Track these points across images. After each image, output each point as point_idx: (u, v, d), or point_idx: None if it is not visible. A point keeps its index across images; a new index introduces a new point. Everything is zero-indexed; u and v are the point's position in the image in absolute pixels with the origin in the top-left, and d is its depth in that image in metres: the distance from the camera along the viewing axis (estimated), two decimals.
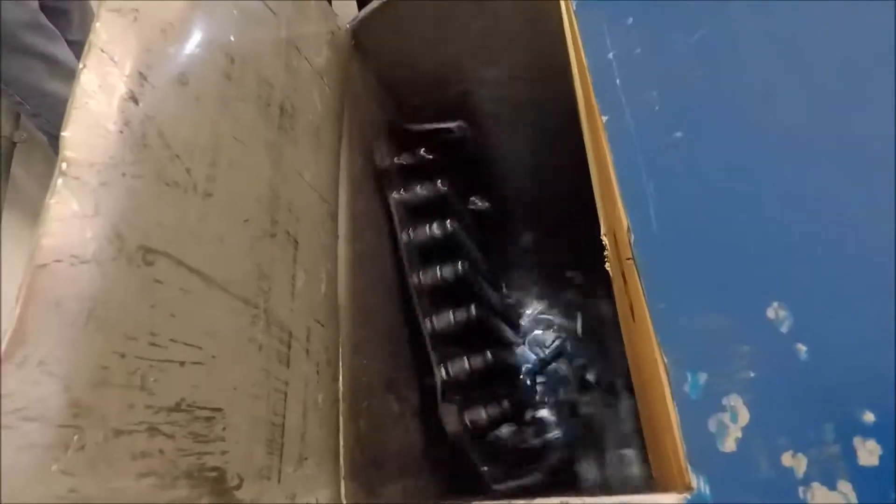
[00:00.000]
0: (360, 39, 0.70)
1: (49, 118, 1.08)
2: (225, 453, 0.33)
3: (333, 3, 0.73)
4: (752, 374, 0.28)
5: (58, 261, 0.25)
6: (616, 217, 0.40)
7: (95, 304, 0.27)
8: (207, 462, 0.31)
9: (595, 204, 0.63)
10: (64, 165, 0.27)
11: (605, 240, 0.70)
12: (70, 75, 1.12)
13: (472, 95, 0.85)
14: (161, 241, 0.31)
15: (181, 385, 0.31)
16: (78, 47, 1.15)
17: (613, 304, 0.45)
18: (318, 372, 0.45)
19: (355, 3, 1.05)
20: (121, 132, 0.30)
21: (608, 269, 0.78)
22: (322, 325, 0.47)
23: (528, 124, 0.90)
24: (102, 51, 0.31)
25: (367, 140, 0.69)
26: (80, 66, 0.30)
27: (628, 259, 0.35)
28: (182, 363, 0.31)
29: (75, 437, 0.24)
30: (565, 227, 0.99)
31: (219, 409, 0.33)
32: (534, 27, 0.74)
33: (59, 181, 0.27)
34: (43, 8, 1.08)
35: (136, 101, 0.32)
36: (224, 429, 0.33)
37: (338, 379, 0.48)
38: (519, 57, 0.79)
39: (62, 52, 1.10)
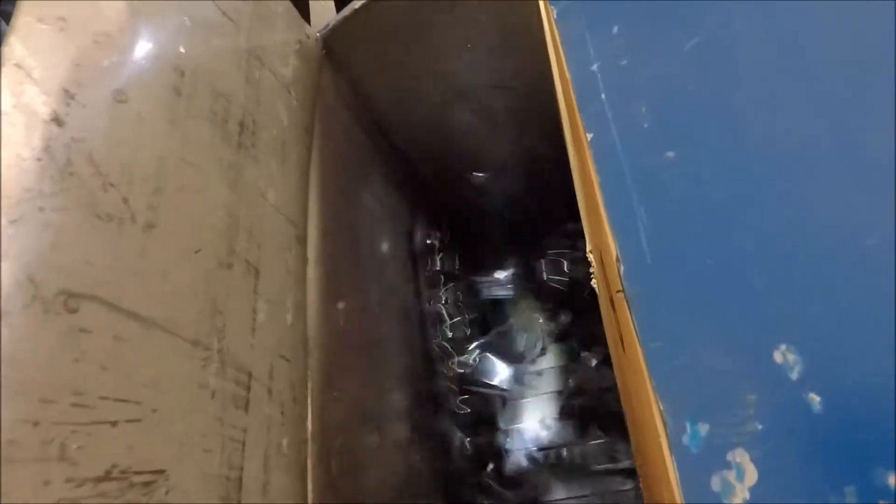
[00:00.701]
0: (333, 48, 0.66)
1: None
2: None
3: (314, 8, 0.69)
4: (759, 427, 0.25)
5: None
6: (603, 244, 0.37)
7: (2, 363, 0.23)
8: None
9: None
10: None
11: (590, 257, 0.67)
12: None
13: (451, 106, 0.82)
14: (88, 283, 0.27)
15: (112, 449, 0.27)
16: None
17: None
18: (282, 413, 0.41)
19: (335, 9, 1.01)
20: (38, 160, 0.26)
21: (594, 285, 0.75)
22: (287, 361, 0.44)
23: (510, 136, 0.87)
24: (18, 66, 0.27)
25: (340, 152, 0.66)
26: None
27: (618, 292, 0.32)
28: (114, 423, 0.27)
29: None
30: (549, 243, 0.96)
31: (160, 472, 0.29)
32: (514, 36, 0.71)
33: None
34: (4, 15, 1.03)
35: (59, 123, 0.28)
36: (167, 492, 0.29)
37: (306, 418, 0.45)
38: (500, 66, 0.76)
39: None
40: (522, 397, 0.85)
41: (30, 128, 0.27)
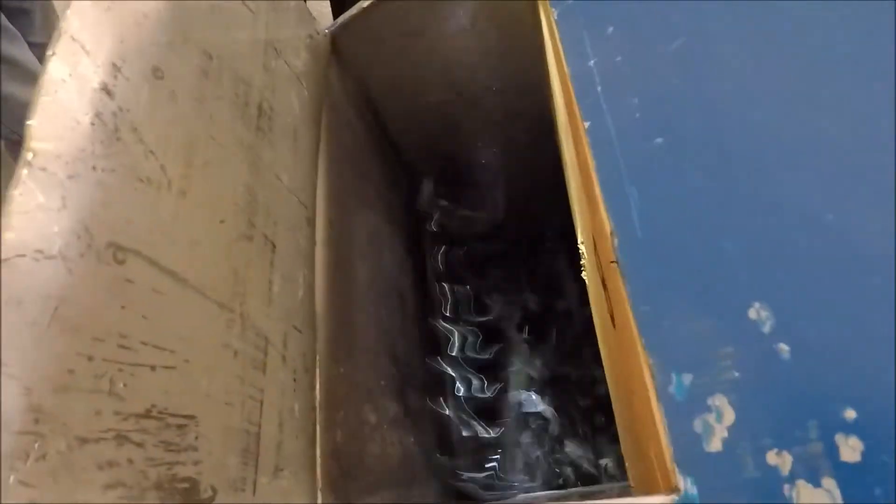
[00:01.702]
0: (339, 45, 0.69)
1: (6, 121, 1.04)
2: (198, 463, 0.31)
3: (308, 4, 0.73)
4: (736, 375, 0.28)
5: (20, 255, 0.24)
6: (598, 222, 0.41)
7: (61, 302, 0.25)
8: (179, 472, 0.30)
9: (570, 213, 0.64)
10: (30, 156, 0.25)
11: (582, 248, 0.71)
12: (30, 78, 1.08)
13: (449, 105, 0.85)
14: (133, 239, 0.30)
15: (152, 390, 0.29)
16: (39, 49, 1.10)
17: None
18: (294, 380, 0.44)
19: (329, 8, 1.04)
20: (92, 124, 0.29)
21: (584, 277, 0.79)
22: (300, 332, 0.46)
23: (504, 136, 0.91)
24: (74, 39, 0.30)
25: (344, 145, 0.69)
26: (49, 52, 0.28)
27: (612, 262, 0.35)
28: (153, 367, 0.29)
29: (36, 445, 0.22)
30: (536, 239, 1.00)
31: (191, 417, 0.31)
32: (510, 39, 0.75)
33: (24, 172, 0.25)
34: (3, 8, 1.04)
35: (108, 93, 0.30)
36: (196, 437, 0.32)
37: (314, 387, 0.47)
38: (495, 68, 0.80)
39: (22, 53, 1.06)
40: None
41: (83, 95, 0.29)
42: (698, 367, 0.30)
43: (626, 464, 0.71)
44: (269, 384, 0.40)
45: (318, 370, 0.48)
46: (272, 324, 0.42)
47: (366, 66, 0.75)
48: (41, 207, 0.25)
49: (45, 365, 0.24)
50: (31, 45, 1.10)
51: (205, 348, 0.34)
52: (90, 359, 0.26)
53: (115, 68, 0.31)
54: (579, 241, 0.73)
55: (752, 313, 0.29)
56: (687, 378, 0.30)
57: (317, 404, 0.46)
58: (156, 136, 0.33)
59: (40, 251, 0.24)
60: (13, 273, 0.23)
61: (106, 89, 0.30)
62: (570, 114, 0.43)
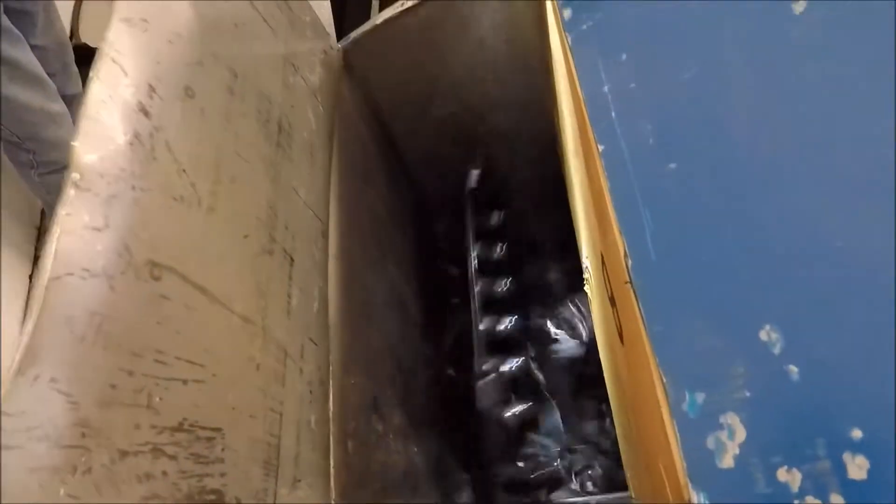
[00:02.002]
0: (350, 60, 0.71)
1: (6, 123, 1.03)
2: (224, 475, 0.32)
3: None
4: (747, 394, 0.30)
5: (69, 274, 0.24)
6: (609, 242, 0.42)
7: (104, 319, 0.26)
8: (207, 484, 0.30)
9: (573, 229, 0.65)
10: (76, 176, 0.26)
11: (586, 262, 0.72)
12: (32, 80, 1.08)
13: (457, 117, 0.87)
14: (167, 255, 0.31)
15: (184, 404, 0.30)
16: (41, 52, 1.10)
17: None
18: (310, 392, 0.45)
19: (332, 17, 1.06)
20: (131, 144, 0.30)
21: (587, 291, 0.80)
22: (315, 344, 0.47)
23: (509, 150, 0.93)
24: (114, 61, 0.31)
25: (355, 159, 0.70)
26: (91, 75, 0.29)
27: (626, 283, 0.36)
28: (185, 381, 0.30)
29: (83, 459, 0.23)
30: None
31: (218, 430, 0.32)
32: (518, 59, 0.77)
33: (72, 192, 0.26)
34: (6, 10, 1.04)
35: (146, 113, 0.31)
36: (223, 449, 0.32)
37: (329, 399, 0.48)
38: (502, 85, 0.81)
39: (24, 55, 1.06)
40: None
41: (123, 115, 0.30)
42: (711, 385, 0.31)
43: (628, 474, 0.72)
44: (288, 396, 0.41)
45: (331, 382, 0.49)
46: (291, 337, 0.43)
47: (375, 81, 0.76)
48: (86, 227, 0.26)
49: (91, 380, 0.24)
50: (33, 47, 1.09)
51: (230, 362, 0.35)
52: (130, 374, 0.27)
53: (151, 89, 0.32)
54: (583, 258, 0.74)
55: (763, 335, 0.30)
56: (700, 396, 0.31)
57: (330, 416, 0.47)
58: (188, 155, 0.34)
59: (86, 269, 0.25)
60: (63, 291, 0.24)
61: (143, 110, 0.31)
62: (583, 136, 0.45)
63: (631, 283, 0.36)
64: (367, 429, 0.56)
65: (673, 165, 0.37)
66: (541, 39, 0.71)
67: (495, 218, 0.93)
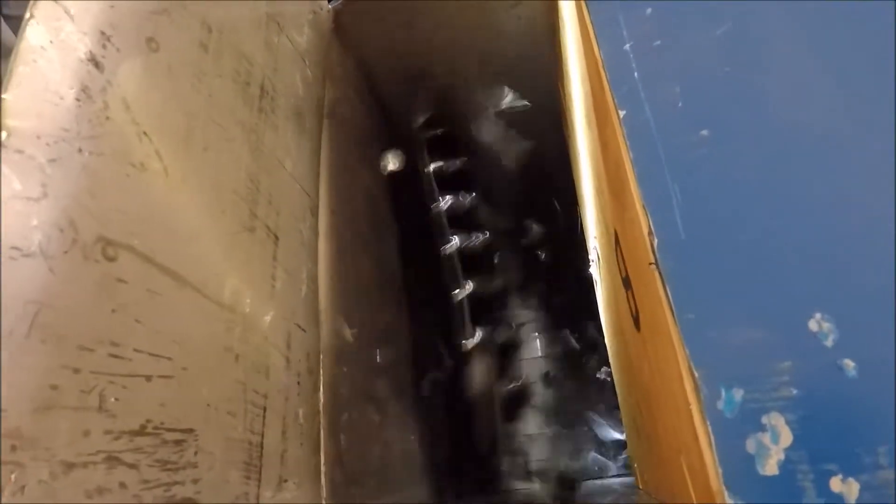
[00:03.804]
0: (342, 22, 0.65)
1: None
2: (197, 481, 0.28)
3: None
4: (794, 392, 0.26)
5: None
6: (629, 219, 0.38)
7: (42, 307, 0.21)
8: (177, 493, 0.27)
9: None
10: (3, 135, 0.22)
11: (594, 243, 0.68)
12: (7, 55, 1.01)
13: (455, 90, 0.82)
14: (125, 232, 0.26)
15: (147, 404, 0.26)
16: (15, 22, 1.04)
17: None
18: (298, 383, 0.41)
19: None
20: (77, 100, 0.25)
21: (593, 272, 0.76)
22: (303, 330, 0.43)
23: (510, 124, 0.88)
24: (56, 1, 0.26)
25: (346, 129, 0.65)
26: (27, 16, 0.25)
27: (651, 264, 0.32)
28: (148, 377, 0.26)
29: (13, 477, 0.19)
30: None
31: (190, 431, 0.28)
32: (523, 23, 0.71)
33: None
34: None
35: (97, 65, 0.27)
36: (196, 453, 0.28)
37: (318, 389, 0.44)
38: (505, 54, 0.76)
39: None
40: None
41: (68, 67, 0.25)
42: (750, 381, 0.27)
43: (634, 463, 0.68)
44: (272, 389, 0.37)
45: (321, 371, 0.45)
46: (275, 323, 0.39)
47: (369, 46, 0.71)
48: (17, 196, 0.22)
49: (24, 381, 0.20)
50: (6, 17, 1.03)
51: (204, 353, 0.31)
52: (76, 371, 0.22)
53: (104, 36, 0.28)
54: (592, 236, 0.70)
55: (812, 325, 0.27)
56: (738, 393, 0.27)
57: (320, 408, 0.44)
58: (150, 116, 0.30)
59: (17, 248, 0.21)
60: None
61: (94, 60, 0.27)
62: (599, 102, 0.40)
63: (656, 264, 0.32)
64: (361, 421, 0.53)
65: (705, 132, 0.33)
66: (552, 5, 0.66)
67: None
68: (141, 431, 0.25)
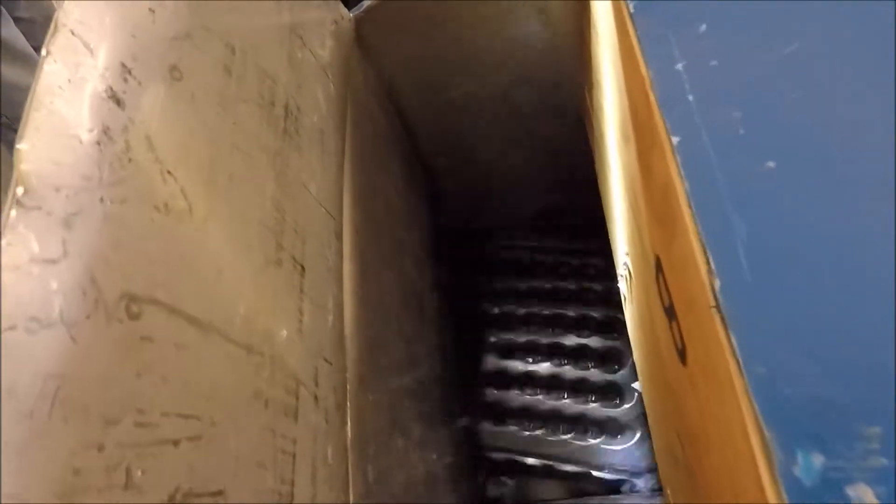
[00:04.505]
0: (363, 32, 0.63)
1: None
2: None
3: None
4: (884, 462, 0.24)
5: (11, 328, 0.18)
6: (678, 249, 0.35)
7: (63, 382, 0.20)
8: None
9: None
10: (20, 190, 0.20)
11: (625, 259, 0.65)
12: (18, 57, 1.00)
13: (474, 98, 0.79)
14: (149, 284, 0.24)
15: (175, 471, 0.24)
16: (27, 25, 1.03)
17: None
18: (326, 420, 0.39)
19: None
20: (98, 143, 0.23)
21: (622, 287, 0.73)
22: (330, 364, 0.41)
23: (529, 131, 0.85)
24: (73, 33, 0.24)
25: (367, 143, 0.63)
26: (44, 52, 0.23)
27: (712, 307, 0.30)
28: (176, 442, 0.24)
29: None
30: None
31: (219, 493, 0.26)
32: (549, 32, 0.68)
33: (13, 213, 0.19)
34: None
35: (118, 101, 0.25)
36: None
37: (346, 424, 0.42)
38: (528, 62, 0.73)
39: (8, 31, 0.98)
40: None
41: (87, 106, 0.23)
42: (833, 447, 0.25)
43: (667, 489, 0.66)
44: (301, 432, 0.35)
45: (348, 404, 0.43)
46: (303, 361, 0.37)
47: (389, 56, 0.68)
48: (36, 260, 0.19)
49: (45, 469, 0.18)
50: (17, 20, 1.02)
51: (233, 403, 0.29)
52: (101, 449, 0.20)
53: (125, 69, 0.26)
54: (622, 251, 0.67)
55: None
56: (817, 459, 0.25)
57: (348, 444, 0.42)
58: (174, 152, 0.27)
59: (36, 319, 0.19)
60: (2, 353, 0.18)
61: (114, 97, 0.25)
62: (644, 121, 0.38)
63: (718, 307, 0.29)
64: (387, 449, 0.51)
65: (772, 164, 0.30)
66: (580, 7, 0.63)
67: None
68: (168, 503, 0.23)
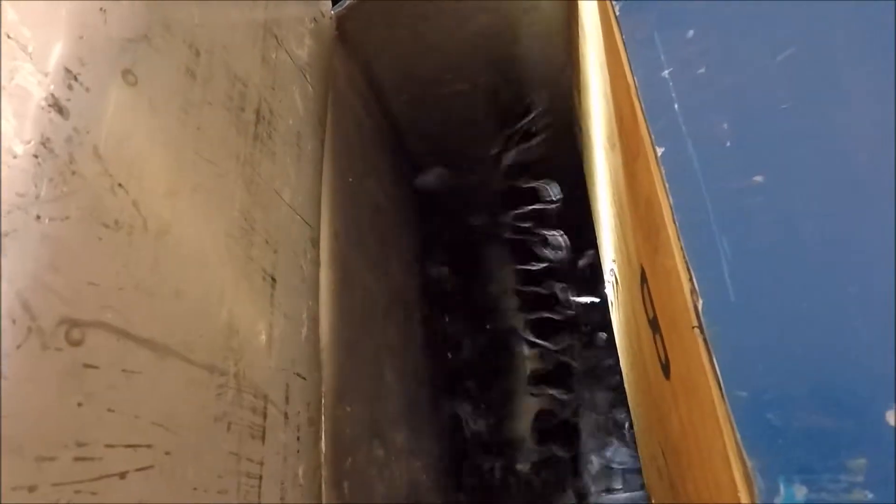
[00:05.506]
0: (345, 29, 0.61)
1: None
2: None
3: None
4: (868, 495, 0.23)
5: None
6: (661, 264, 0.34)
7: None
8: None
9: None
10: None
11: (612, 265, 0.64)
12: None
13: (465, 97, 0.78)
14: (96, 307, 0.23)
15: None
16: None
17: None
18: (297, 438, 0.37)
19: None
20: (35, 156, 0.21)
21: (609, 294, 0.72)
22: (303, 378, 0.39)
23: (518, 130, 0.84)
24: (9, 37, 0.22)
25: (351, 143, 0.61)
26: None
27: (694, 328, 0.29)
28: (123, 475, 0.23)
29: None
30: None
31: None
32: (538, 30, 0.67)
33: None
34: None
35: (60, 111, 0.23)
36: None
37: (320, 439, 0.41)
38: (517, 60, 0.72)
39: None
40: None
41: (24, 117, 0.22)
42: (816, 478, 0.24)
43: (652, 498, 0.65)
44: (268, 453, 0.33)
45: (323, 418, 0.42)
46: (272, 377, 0.35)
47: (372, 53, 0.66)
48: None
49: None
50: None
51: (191, 429, 0.27)
52: (32, 489, 0.19)
53: (70, 75, 0.24)
54: (609, 257, 0.66)
55: (890, 418, 0.23)
56: (800, 491, 0.24)
57: (322, 460, 0.40)
58: (127, 164, 0.26)
59: None
60: None
61: (57, 105, 0.23)
62: (630, 130, 0.36)
63: (700, 328, 0.28)
64: (366, 461, 0.49)
65: (759, 178, 0.29)
66: (568, 8, 0.62)
67: None
68: None
